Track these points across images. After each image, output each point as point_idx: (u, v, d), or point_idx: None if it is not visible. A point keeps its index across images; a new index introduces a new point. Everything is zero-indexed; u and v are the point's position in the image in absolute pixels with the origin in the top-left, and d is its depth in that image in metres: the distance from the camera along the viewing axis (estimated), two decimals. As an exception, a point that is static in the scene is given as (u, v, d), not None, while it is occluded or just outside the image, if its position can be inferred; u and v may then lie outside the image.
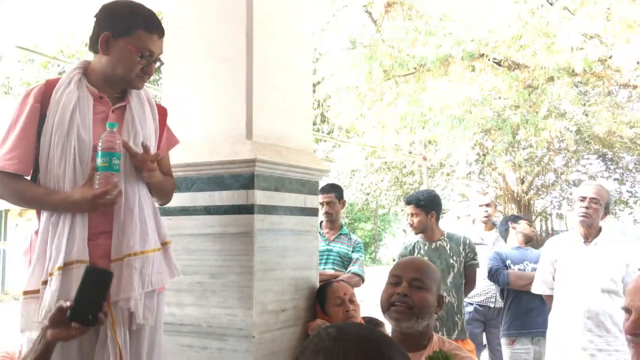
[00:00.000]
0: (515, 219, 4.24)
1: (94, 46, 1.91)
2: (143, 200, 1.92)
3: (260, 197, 2.26)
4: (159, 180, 1.99)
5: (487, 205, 4.46)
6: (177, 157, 2.34)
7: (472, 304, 4.26)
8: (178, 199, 2.35)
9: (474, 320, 4.25)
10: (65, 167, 1.81)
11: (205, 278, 2.28)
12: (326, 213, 3.99)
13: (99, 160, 1.78)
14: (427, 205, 3.76)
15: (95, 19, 1.91)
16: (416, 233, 3.77)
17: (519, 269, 3.85)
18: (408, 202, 3.82)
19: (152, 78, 2.15)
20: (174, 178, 2.14)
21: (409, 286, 1.89)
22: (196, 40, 2.44)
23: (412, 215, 3.74)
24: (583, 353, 3.13)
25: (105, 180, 1.78)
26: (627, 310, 1.63)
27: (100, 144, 1.79)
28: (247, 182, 2.25)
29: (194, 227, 2.32)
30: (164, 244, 2.00)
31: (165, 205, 2.37)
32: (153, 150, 1.97)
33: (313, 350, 0.90)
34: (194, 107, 2.43)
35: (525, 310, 3.79)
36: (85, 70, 1.93)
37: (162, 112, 2.09)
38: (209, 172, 2.31)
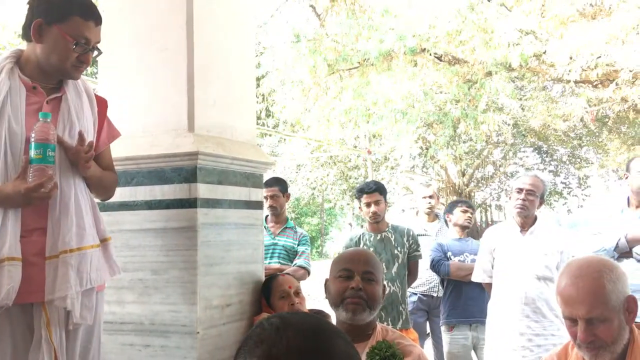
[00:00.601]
0: (452, 206, 4.25)
1: (26, 34, 1.82)
2: (80, 195, 1.85)
3: (203, 190, 2.22)
4: (95, 174, 1.91)
5: (430, 197, 4.54)
6: (116, 150, 2.26)
7: (415, 294, 4.33)
8: (118, 194, 2.26)
9: (418, 309, 4.33)
10: None
11: (147, 274, 2.22)
12: (271, 207, 3.96)
13: (32, 152, 1.70)
14: (384, 194, 3.82)
15: (28, 5, 1.83)
16: (378, 221, 3.77)
17: (459, 260, 3.93)
18: (369, 190, 3.80)
19: (88, 70, 2.07)
20: (115, 173, 2.07)
21: (362, 279, 1.92)
22: (134, 29, 2.37)
23: (375, 203, 3.74)
24: (521, 338, 3.24)
25: (40, 172, 1.70)
26: (571, 319, 1.69)
27: (33, 135, 1.71)
28: (189, 175, 2.20)
29: (134, 223, 2.25)
30: (104, 241, 1.93)
31: (105, 200, 2.30)
32: (92, 141, 1.90)
33: (255, 341, 0.88)
34: (133, 99, 2.36)
35: (464, 299, 3.88)
36: (18, 60, 1.84)
37: (102, 104, 2.01)
38: (150, 166, 2.25)
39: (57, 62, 1.80)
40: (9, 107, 1.74)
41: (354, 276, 1.92)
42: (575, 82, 7.65)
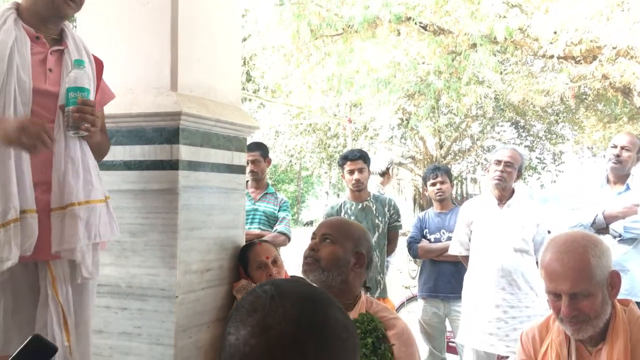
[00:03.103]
0: (424, 180, 4.16)
1: None
2: (87, 151, 1.82)
3: (185, 152, 2.15)
4: (98, 138, 1.89)
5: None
6: (94, 107, 2.18)
7: None
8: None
9: None
10: (4, 109, 1.67)
11: (125, 237, 2.16)
12: (252, 172, 3.90)
13: (71, 95, 1.70)
14: (368, 162, 3.79)
15: None
16: (360, 190, 3.75)
17: (434, 238, 3.92)
18: (354, 158, 3.76)
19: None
20: (108, 137, 2.02)
21: (320, 241, 1.94)
22: (115, -19, 2.25)
23: (358, 171, 3.71)
24: (496, 310, 3.28)
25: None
26: (555, 294, 1.69)
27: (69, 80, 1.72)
28: (171, 136, 2.13)
29: (112, 183, 2.17)
30: (106, 199, 1.90)
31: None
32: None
33: (248, 309, 0.84)
34: (113, 55, 2.25)
35: (435, 276, 3.89)
36: (18, 10, 1.80)
37: (99, 64, 1.96)
38: (130, 125, 2.16)
39: None
40: (16, 56, 1.71)
41: (315, 239, 1.96)
42: (558, 57, 7.65)
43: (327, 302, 0.88)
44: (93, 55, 1.96)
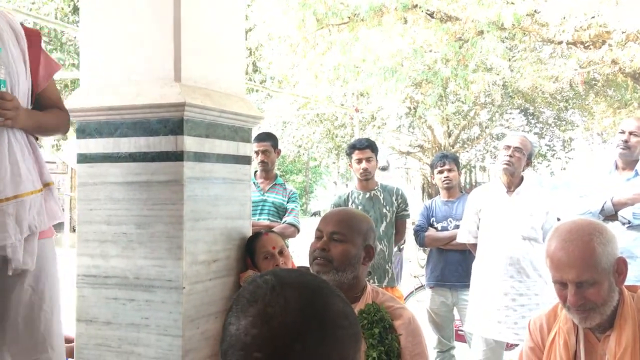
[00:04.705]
0: (431, 169, 4.15)
1: None
2: (14, 141, 1.75)
3: (190, 143, 2.14)
4: (26, 124, 1.79)
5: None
6: (99, 100, 2.18)
7: None
8: (101, 145, 2.20)
9: None
10: None
11: (132, 228, 2.16)
12: (262, 162, 3.90)
13: None
14: (376, 151, 3.79)
15: None
16: (368, 179, 3.74)
17: (442, 227, 3.90)
18: (361, 147, 3.75)
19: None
20: (64, 109, 1.94)
21: (330, 240, 1.89)
22: (117, -28, 2.24)
23: (366, 160, 3.71)
24: (505, 298, 3.28)
25: None
26: (561, 283, 1.68)
27: None
28: (175, 127, 2.12)
29: (118, 175, 2.18)
30: (46, 185, 1.85)
31: (87, 151, 2.22)
32: (26, 82, 1.78)
33: (249, 299, 0.84)
34: (117, 47, 2.24)
35: (443, 265, 3.88)
36: None
37: (34, 36, 1.86)
38: (134, 117, 2.16)
39: None
40: None
41: (323, 237, 1.90)
42: (567, 43, 7.56)
43: (327, 291, 0.88)
44: (25, 27, 1.84)
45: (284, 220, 3.83)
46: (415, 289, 4.74)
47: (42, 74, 1.87)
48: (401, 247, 4.91)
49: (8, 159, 1.72)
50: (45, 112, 1.86)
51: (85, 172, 2.23)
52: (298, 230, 3.84)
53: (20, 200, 1.73)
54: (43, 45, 1.88)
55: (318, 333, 0.82)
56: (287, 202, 3.89)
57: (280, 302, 0.82)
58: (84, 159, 2.23)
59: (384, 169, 4.85)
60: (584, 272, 1.63)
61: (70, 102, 2.16)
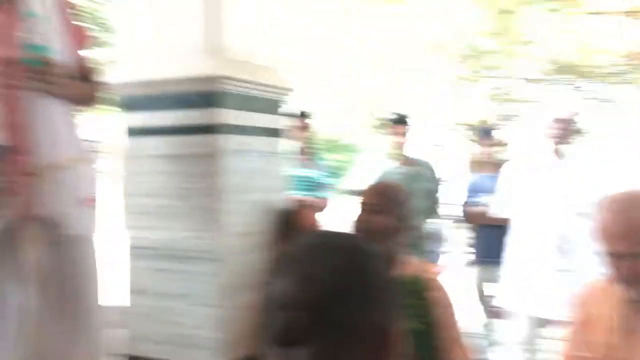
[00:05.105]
0: (477, 141, 4.11)
1: None
2: (54, 108, 1.77)
3: (227, 116, 2.16)
4: (65, 93, 1.80)
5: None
6: (137, 73, 2.21)
7: None
8: (139, 118, 2.23)
9: None
10: None
11: (170, 200, 2.20)
12: (301, 138, 3.90)
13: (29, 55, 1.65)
14: (410, 125, 3.74)
15: None
16: (403, 154, 3.70)
17: (471, 200, 3.84)
18: (397, 121, 3.72)
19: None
20: (96, 82, 1.95)
21: (370, 212, 1.90)
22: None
23: (402, 135, 3.67)
24: (549, 274, 3.20)
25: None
26: (614, 255, 1.61)
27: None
28: (212, 100, 2.13)
29: (156, 148, 2.21)
30: (85, 157, 1.87)
31: (129, 125, 2.26)
32: (62, 49, 1.79)
33: (292, 259, 0.84)
34: (155, 19, 2.26)
35: (486, 240, 3.82)
36: None
37: (68, 6, 1.86)
38: (172, 89, 2.18)
39: None
40: None
41: (364, 209, 1.93)
42: (620, 14, 7.23)
43: (371, 255, 0.86)
44: None
45: (318, 194, 3.83)
46: (465, 266, 4.68)
47: (75, 44, 1.88)
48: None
49: (60, 126, 1.76)
50: (79, 83, 1.88)
51: (129, 145, 2.27)
52: (331, 205, 3.84)
53: (69, 166, 1.77)
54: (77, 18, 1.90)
55: (359, 295, 0.81)
56: (323, 177, 3.89)
57: (323, 263, 0.81)
58: (128, 132, 2.28)
59: (438, 145, 4.83)
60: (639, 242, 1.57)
61: (110, 76, 2.19)
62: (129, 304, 2.28)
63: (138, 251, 2.26)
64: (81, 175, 1.83)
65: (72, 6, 1.89)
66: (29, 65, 1.66)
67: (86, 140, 1.91)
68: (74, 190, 1.79)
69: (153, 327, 2.23)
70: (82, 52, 1.92)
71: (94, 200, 1.93)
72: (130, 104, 2.26)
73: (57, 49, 1.78)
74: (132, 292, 2.27)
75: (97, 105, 1.99)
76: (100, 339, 1.94)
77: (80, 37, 1.91)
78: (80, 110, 1.93)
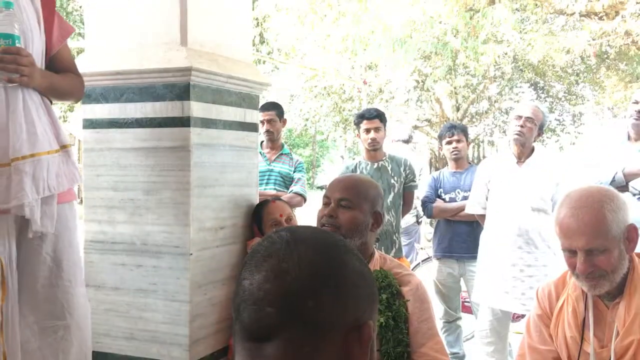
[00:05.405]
0: (440, 139, 4.09)
1: None
2: (29, 100, 1.71)
3: (197, 109, 2.12)
4: (41, 84, 1.75)
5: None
6: (104, 64, 2.16)
7: None
8: (106, 110, 2.18)
9: None
10: None
11: (139, 194, 2.16)
12: (267, 131, 3.87)
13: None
14: (385, 122, 3.75)
15: None
16: (376, 149, 3.71)
17: (449, 198, 3.88)
18: (370, 116, 3.72)
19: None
20: (78, 74, 1.91)
21: (337, 206, 1.86)
22: None
23: (375, 130, 3.68)
24: (513, 268, 3.26)
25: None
26: (570, 251, 1.65)
27: None
28: (182, 92, 2.10)
29: (124, 141, 2.17)
30: (64, 147, 1.80)
31: (93, 117, 2.21)
32: (40, 42, 1.74)
33: (263, 254, 0.83)
34: (122, 10, 2.21)
35: (450, 236, 3.86)
36: None
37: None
38: (140, 81, 2.14)
39: None
40: None
41: (330, 203, 1.88)
42: (580, 14, 7.41)
43: (344, 249, 0.86)
44: None
45: (290, 189, 3.82)
46: (422, 261, 4.74)
47: (56, 35, 1.83)
48: (419, 219, 4.92)
49: (24, 117, 1.68)
50: (60, 74, 1.82)
51: (92, 137, 2.22)
52: (305, 200, 3.84)
53: (37, 159, 1.69)
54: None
55: (332, 290, 0.81)
56: (294, 172, 3.87)
57: (295, 258, 0.81)
58: (90, 124, 2.22)
59: (406, 141, 4.93)
60: (594, 239, 1.60)
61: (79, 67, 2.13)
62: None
63: (100, 245, 2.20)
64: (57, 168, 1.76)
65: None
66: None
67: (64, 133, 1.84)
68: (50, 183, 1.72)
69: (118, 323, 2.19)
70: (63, 42, 1.88)
71: (73, 195, 1.87)
72: (96, 95, 2.20)
73: (36, 40, 1.73)
74: (91, 287, 2.20)
75: (79, 98, 1.93)
76: (87, 340, 1.88)
77: (61, 27, 1.86)
78: (64, 103, 1.86)
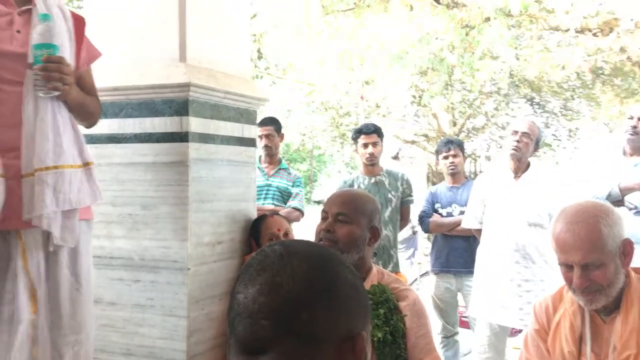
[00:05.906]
0: (437, 154, 4.11)
1: None
2: (58, 113, 1.73)
3: (195, 124, 2.14)
4: (76, 98, 1.79)
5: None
6: (103, 80, 2.17)
7: None
8: (105, 126, 2.19)
9: None
10: None
11: (137, 209, 2.17)
12: (265, 146, 3.89)
13: (37, 53, 1.63)
14: (382, 137, 3.77)
15: None
16: (374, 164, 3.73)
17: (447, 213, 3.89)
18: (368, 131, 3.75)
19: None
20: (98, 98, 1.95)
21: (335, 221, 1.86)
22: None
23: (372, 144, 3.70)
24: (510, 284, 3.26)
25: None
26: (566, 265, 1.66)
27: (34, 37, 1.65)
28: (180, 108, 2.12)
29: (123, 156, 2.18)
30: (86, 164, 1.81)
31: (92, 132, 2.22)
32: (71, 61, 1.77)
33: (257, 268, 0.84)
34: (121, 26, 2.24)
35: (447, 251, 3.87)
36: None
37: (79, 21, 1.87)
38: (139, 97, 2.16)
39: None
40: None
41: (328, 218, 1.88)
42: (575, 30, 7.49)
43: (337, 262, 0.87)
44: (72, 12, 1.86)
45: (288, 204, 3.83)
46: (420, 276, 4.74)
47: (83, 57, 1.86)
48: (415, 230, 4.92)
49: (51, 128, 1.69)
50: (87, 95, 1.86)
51: (91, 152, 2.22)
52: (302, 214, 3.84)
53: (60, 171, 1.69)
54: None
55: (326, 303, 0.82)
56: (292, 187, 3.88)
57: (289, 271, 0.82)
58: (89, 139, 2.22)
59: (394, 157, 4.96)
60: (590, 254, 1.61)
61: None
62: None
63: (98, 260, 2.20)
64: (79, 183, 1.77)
65: (84, 22, 1.89)
66: (37, 61, 1.65)
67: (87, 151, 1.85)
68: (72, 198, 1.73)
69: (115, 338, 2.18)
70: (89, 65, 1.92)
71: (91, 214, 1.88)
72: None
73: (67, 58, 1.75)
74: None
75: (96, 122, 1.96)
76: (90, 357, 1.88)
77: (89, 51, 1.91)
78: (81, 123, 1.89)
